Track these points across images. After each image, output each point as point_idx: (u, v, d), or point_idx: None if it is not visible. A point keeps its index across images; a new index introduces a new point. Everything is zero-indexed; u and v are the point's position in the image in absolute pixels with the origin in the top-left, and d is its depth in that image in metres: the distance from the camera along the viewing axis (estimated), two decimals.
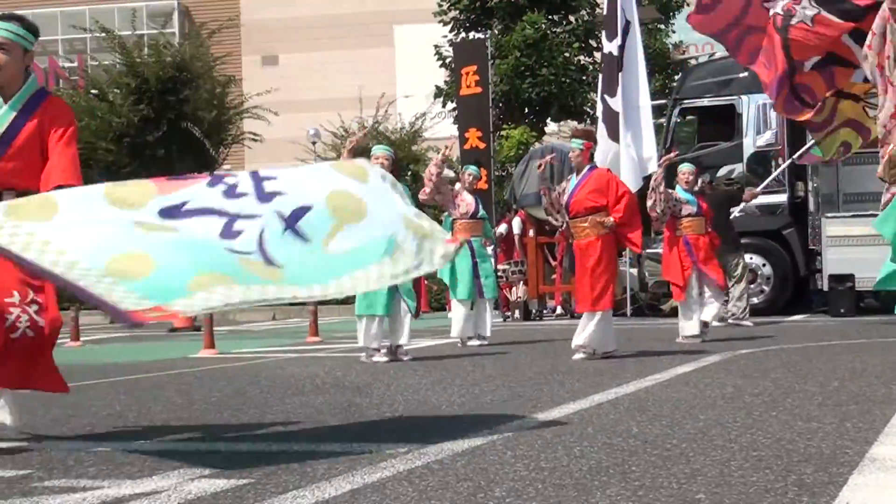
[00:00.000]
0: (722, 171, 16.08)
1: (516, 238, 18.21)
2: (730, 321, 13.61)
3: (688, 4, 33.69)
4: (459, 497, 3.73)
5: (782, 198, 16.19)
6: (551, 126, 30.74)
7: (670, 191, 11.39)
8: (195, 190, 4.72)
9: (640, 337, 12.06)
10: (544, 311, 18.07)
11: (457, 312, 11.68)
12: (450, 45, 28.68)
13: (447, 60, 29.60)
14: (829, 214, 15.37)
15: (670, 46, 33.35)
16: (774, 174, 15.65)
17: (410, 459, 4.43)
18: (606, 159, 15.50)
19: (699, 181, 12.02)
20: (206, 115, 28.67)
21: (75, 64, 41.75)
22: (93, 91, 29.77)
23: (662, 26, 32.28)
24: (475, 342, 11.49)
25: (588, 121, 28.89)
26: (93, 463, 4.57)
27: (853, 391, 6.49)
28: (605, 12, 16.74)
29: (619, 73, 15.57)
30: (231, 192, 4.69)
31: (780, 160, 16.14)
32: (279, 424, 5.61)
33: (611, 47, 15.92)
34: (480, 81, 20.23)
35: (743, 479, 3.89)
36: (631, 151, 15.33)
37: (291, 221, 4.60)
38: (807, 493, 3.65)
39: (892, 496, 3.67)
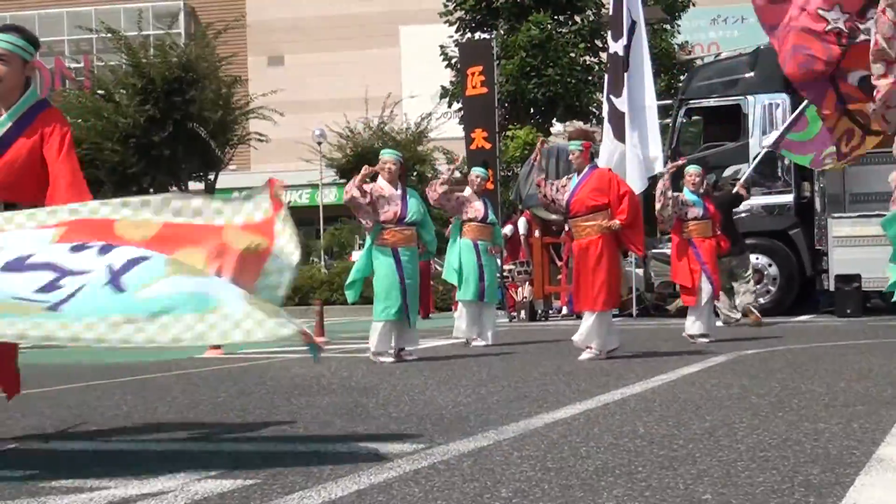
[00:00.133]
0: (728, 172, 16.06)
1: (522, 238, 18.21)
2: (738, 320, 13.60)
3: (693, 4, 33.69)
4: (466, 497, 3.73)
5: (788, 198, 16.17)
6: (557, 126, 30.73)
7: (677, 194, 11.38)
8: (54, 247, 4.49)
9: (645, 337, 12.05)
10: (550, 312, 18.06)
11: (461, 312, 11.73)
12: (455, 46, 28.70)
13: (453, 61, 29.61)
14: (835, 215, 15.35)
15: (676, 46, 33.32)
16: (751, 166, 15.59)
17: (416, 460, 4.43)
18: (612, 159, 15.51)
19: (704, 182, 12.01)
20: (211, 115, 28.70)
21: (81, 64, 41.86)
22: (99, 91, 29.81)
23: (668, 26, 32.25)
24: (480, 342, 11.50)
25: (594, 121, 28.89)
26: (99, 463, 4.57)
27: (860, 392, 6.48)
28: (610, 12, 16.74)
29: (625, 74, 15.57)
30: (79, 247, 4.45)
31: (786, 160, 16.12)
32: (285, 425, 5.61)
33: (616, 47, 15.93)
34: (486, 82, 20.22)
35: (749, 480, 3.89)
36: (637, 151, 15.34)
37: (117, 274, 4.28)
38: (813, 494, 3.65)
39: None
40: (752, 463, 4.22)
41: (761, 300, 15.78)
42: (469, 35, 29.72)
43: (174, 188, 31.37)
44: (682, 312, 11.78)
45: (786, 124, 14.48)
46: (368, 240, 10.01)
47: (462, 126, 22.45)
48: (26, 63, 5.22)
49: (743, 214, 15.94)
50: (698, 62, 32.15)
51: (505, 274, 17.16)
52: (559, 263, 18.52)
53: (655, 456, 4.41)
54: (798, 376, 7.48)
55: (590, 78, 29.03)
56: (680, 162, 11.81)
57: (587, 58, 29.77)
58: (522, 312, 17.10)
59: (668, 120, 17.76)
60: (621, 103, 15.63)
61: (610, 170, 10.52)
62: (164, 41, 29.92)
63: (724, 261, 12.82)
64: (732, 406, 5.91)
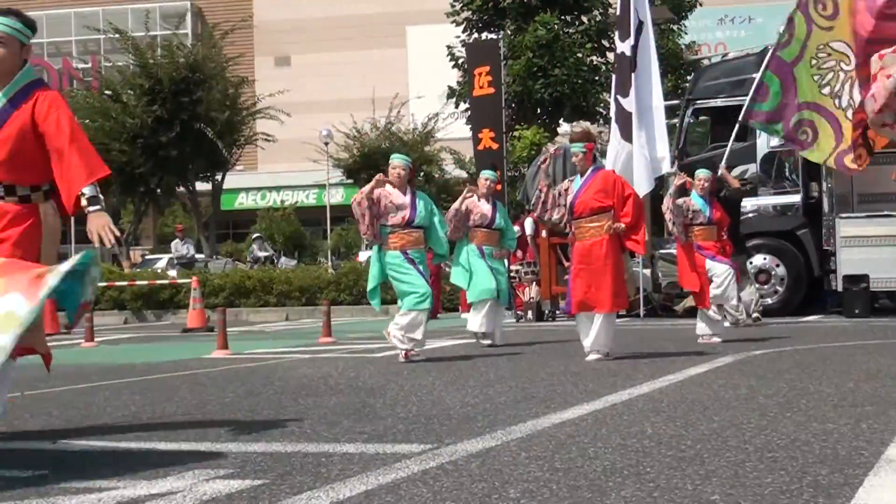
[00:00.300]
0: (735, 172, 16.03)
1: (529, 239, 18.20)
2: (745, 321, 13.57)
3: (700, 4, 33.68)
4: (474, 498, 3.73)
5: (796, 198, 16.15)
6: (564, 126, 30.72)
7: (683, 199, 11.38)
8: None
9: (653, 338, 12.05)
10: (557, 312, 18.05)
11: (474, 310, 11.70)
12: (462, 46, 28.69)
13: (460, 61, 29.61)
14: (843, 215, 15.32)
15: (683, 46, 33.31)
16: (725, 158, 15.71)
17: (424, 460, 4.43)
18: (619, 160, 15.50)
19: (713, 186, 11.98)
20: (219, 115, 28.78)
21: (89, 65, 41.96)
22: (106, 92, 29.92)
23: (675, 26, 32.24)
24: (485, 341, 11.49)
25: (601, 121, 28.89)
26: (108, 463, 4.58)
27: (868, 392, 6.47)
28: (617, 12, 16.71)
29: (633, 74, 15.55)
30: None
31: (792, 160, 16.11)
32: (293, 425, 5.62)
33: (623, 47, 15.91)
34: (493, 82, 20.20)
35: (758, 481, 3.89)
36: (644, 152, 15.32)
37: None
38: (822, 495, 3.65)
39: None
40: (761, 464, 4.21)
41: (769, 300, 15.79)
42: (476, 35, 29.73)
43: (181, 188, 31.45)
44: (689, 313, 11.76)
45: (749, 96, 14.63)
46: (375, 246, 9.97)
47: (469, 126, 22.45)
48: (23, 46, 5.27)
49: (751, 214, 15.92)
50: (705, 62, 32.08)
51: (512, 274, 17.15)
52: (566, 264, 18.50)
53: (664, 456, 4.41)
54: (806, 377, 7.47)
55: (597, 78, 29.02)
56: (682, 181, 11.71)
57: (594, 58, 29.76)
58: (529, 313, 17.10)
59: (676, 120, 17.74)
60: (629, 103, 15.61)
61: (613, 171, 10.53)
62: (172, 42, 30.02)
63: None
64: (740, 407, 5.90)
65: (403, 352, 9.71)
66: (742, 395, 6.46)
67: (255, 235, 34.09)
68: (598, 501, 3.63)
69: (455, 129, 32.90)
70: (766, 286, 15.95)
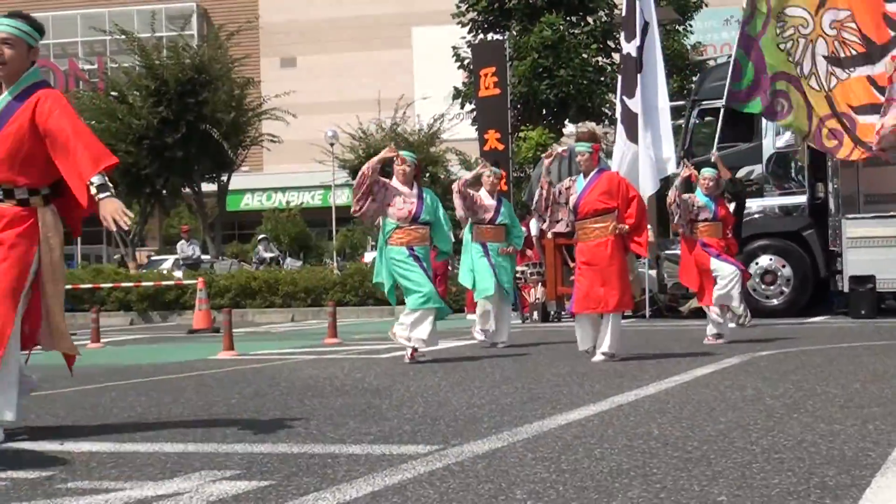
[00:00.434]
0: (741, 173, 16.02)
1: (534, 240, 18.19)
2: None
3: (706, 5, 33.64)
4: (481, 499, 3.73)
5: (802, 199, 16.12)
6: (569, 127, 30.70)
7: (688, 196, 11.39)
8: None
9: (659, 338, 12.03)
10: (563, 313, 18.04)
11: (479, 309, 11.73)
12: (468, 47, 28.70)
13: (465, 62, 29.61)
14: (849, 215, 15.29)
15: (688, 47, 33.28)
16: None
17: (431, 461, 4.43)
18: (625, 161, 15.50)
19: (718, 186, 11.97)
20: (224, 116, 28.77)
21: (95, 66, 42.00)
22: (112, 93, 29.93)
23: (680, 27, 32.21)
24: (496, 340, 11.48)
25: (606, 122, 28.86)
26: (115, 464, 4.58)
27: (875, 393, 6.46)
28: (623, 13, 16.71)
29: (638, 75, 15.55)
30: None
31: (799, 161, 16.09)
32: (299, 426, 5.62)
33: (629, 48, 15.91)
34: (499, 83, 20.23)
35: (765, 482, 3.88)
36: (650, 153, 15.32)
37: None
38: (829, 496, 3.64)
39: None
40: (768, 465, 4.21)
41: (774, 301, 15.80)
42: (481, 36, 29.73)
43: (187, 189, 31.48)
44: (695, 314, 11.75)
45: (728, 79, 14.80)
46: (381, 240, 9.96)
47: (475, 127, 22.46)
48: (31, 48, 5.36)
49: (757, 215, 15.91)
50: (711, 63, 32.11)
51: (518, 275, 17.14)
52: (572, 265, 18.48)
53: (670, 457, 4.41)
54: (812, 378, 7.46)
55: (602, 79, 29.00)
56: (689, 173, 11.71)
57: (599, 59, 29.75)
58: (535, 313, 17.09)
59: (681, 121, 17.72)
60: (634, 104, 15.61)
61: (618, 173, 10.54)
62: (177, 43, 30.02)
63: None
64: (747, 408, 5.90)
65: (409, 352, 9.72)
66: (748, 396, 6.45)
67: (260, 236, 34.12)
68: (605, 503, 3.63)
69: (461, 130, 32.90)
70: (772, 287, 15.94)
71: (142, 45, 29.63)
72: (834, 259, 15.58)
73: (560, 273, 17.65)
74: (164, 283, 22.49)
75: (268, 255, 30.87)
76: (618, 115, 16.53)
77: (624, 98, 15.93)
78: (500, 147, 20.01)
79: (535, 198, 9.96)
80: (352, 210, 9.95)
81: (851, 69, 14.45)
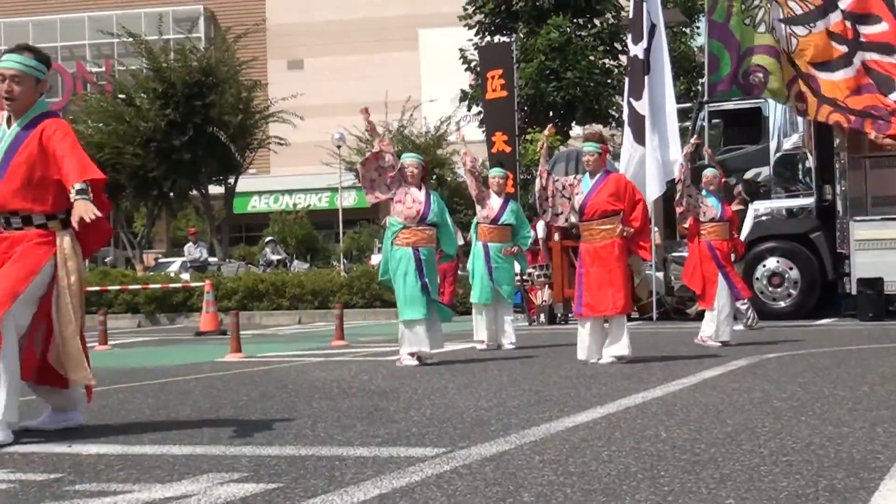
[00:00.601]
0: (749, 175, 16.01)
1: (541, 242, 18.19)
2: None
3: None
4: (488, 502, 3.73)
5: (810, 201, 16.10)
6: (576, 129, 30.72)
7: (698, 193, 11.39)
8: None
9: (666, 341, 12.02)
10: (569, 315, 18.03)
11: (475, 315, 11.79)
12: (475, 49, 28.71)
13: (472, 64, 29.64)
14: (857, 217, 15.27)
15: (695, 49, 33.27)
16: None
17: (438, 464, 4.43)
18: (632, 163, 15.48)
19: (720, 185, 11.97)
20: (231, 119, 28.82)
21: (103, 69, 42.07)
22: (120, 96, 30.01)
23: (687, 29, 32.20)
24: (482, 346, 11.45)
25: (613, 124, 28.87)
26: (122, 466, 4.59)
27: (883, 396, 6.45)
28: (630, 15, 16.70)
29: (646, 77, 15.53)
30: None
31: (806, 163, 16.08)
32: (307, 428, 5.62)
33: (637, 50, 15.90)
34: (506, 85, 20.20)
35: (773, 485, 3.87)
36: (657, 155, 15.30)
37: None
38: (838, 499, 3.63)
39: None
40: (776, 467, 4.20)
41: (782, 303, 15.78)
42: (488, 38, 29.75)
43: (194, 192, 31.53)
44: (701, 316, 11.73)
45: (706, 72, 15.25)
46: (387, 239, 9.96)
47: (482, 129, 22.45)
48: (38, 81, 5.46)
49: (764, 217, 15.89)
50: None
51: (525, 278, 17.14)
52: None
53: (678, 460, 4.40)
54: (820, 380, 7.45)
55: (609, 81, 29.02)
56: (694, 141, 11.76)
57: (606, 61, 29.76)
58: (542, 316, 17.09)
59: (688, 123, 17.70)
60: (642, 106, 15.59)
61: (624, 175, 10.55)
62: (185, 45, 30.10)
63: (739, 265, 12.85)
64: (754, 410, 5.89)
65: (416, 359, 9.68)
66: (756, 398, 6.44)
67: (267, 239, 34.13)
68: None
69: (468, 133, 32.89)
70: (779, 289, 15.92)
71: (149, 47, 29.70)
72: (842, 261, 15.55)
73: (567, 275, 17.65)
74: (172, 285, 22.52)
75: (275, 257, 30.88)
76: (625, 117, 16.53)
77: (631, 100, 15.92)
78: (508, 149, 19.99)
79: (536, 187, 9.92)
80: (367, 196, 9.96)
81: (812, 24, 14.64)
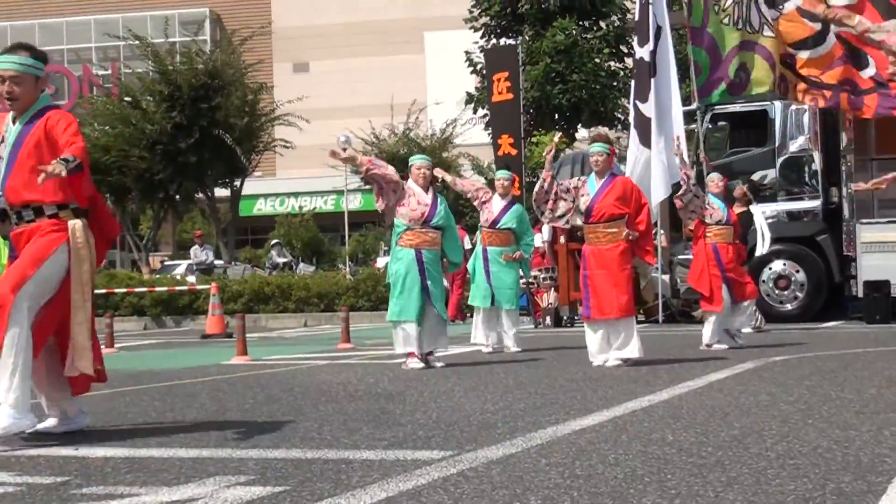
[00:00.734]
0: (755, 177, 15.99)
1: (546, 245, 18.18)
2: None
3: None
4: None
5: (816, 203, 16.07)
6: (582, 132, 30.70)
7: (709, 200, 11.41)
8: None
9: (672, 344, 12.01)
10: (575, 318, 18.02)
11: (474, 318, 11.80)
12: (480, 52, 28.72)
13: (478, 67, 29.64)
14: (863, 220, 15.25)
15: None
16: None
17: (445, 467, 4.43)
18: (637, 165, 15.47)
19: (726, 188, 11.98)
20: (237, 122, 28.82)
21: (109, 72, 42.15)
22: (126, 98, 30.01)
23: None
24: (487, 349, 11.44)
25: (619, 126, 28.85)
26: (129, 470, 4.59)
27: (890, 399, 6.44)
28: (636, 18, 16.70)
29: (652, 79, 15.53)
30: None
31: (813, 165, 16.06)
32: (313, 431, 5.63)
33: (643, 53, 15.90)
34: (512, 88, 20.21)
35: (780, 488, 3.87)
36: (662, 157, 15.28)
37: None
38: (845, 503, 3.63)
39: None
40: (783, 471, 4.20)
41: (788, 306, 15.78)
42: (494, 41, 29.74)
43: (200, 194, 31.56)
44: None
45: (691, 78, 15.49)
46: (393, 239, 9.97)
47: (488, 132, 22.48)
48: (38, 79, 5.49)
49: (770, 220, 15.86)
50: None
51: (530, 280, 17.13)
52: None
53: (685, 463, 4.40)
54: (827, 383, 7.44)
55: (615, 83, 29.01)
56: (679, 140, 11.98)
57: (612, 63, 29.74)
58: (548, 319, 17.08)
59: (694, 126, 17.69)
60: (648, 109, 15.59)
61: (630, 179, 10.57)
62: (191, 48, 30.10)
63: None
64: (761, 413, 5.88)
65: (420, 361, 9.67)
66: (763, 401, 6.43)
67: (273, 241, 34.17)
68: None
69: (473, 135, 32.90)
70: (785, 292, 15.90)
71: (155, 50, 29.72)
72: (848, 264, 15.54)
73: (572, 278, 17.64)
74: (178, 288, 22.53)
75: (281, 260, 30.91)
76: (631, 119, 16.52)
77: (637, 102, 15.91)
78: (514, 152, 20.00)
79: (535, 188, 9.90)
80: (379, 206, 9.97)
81: (781, 6, 14.68)
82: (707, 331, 11.20)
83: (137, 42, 30.51)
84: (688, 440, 4.99)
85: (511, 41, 28.39)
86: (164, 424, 6.17)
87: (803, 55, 14.53)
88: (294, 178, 49.04)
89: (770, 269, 15.87)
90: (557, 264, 17.50)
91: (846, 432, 5.12)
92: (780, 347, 10.95)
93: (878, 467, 4.23)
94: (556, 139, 10.41)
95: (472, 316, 12.59)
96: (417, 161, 10.07)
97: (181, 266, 32.41)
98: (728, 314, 11.37)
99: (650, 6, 15.67)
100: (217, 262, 28.32)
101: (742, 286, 11.51)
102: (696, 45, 15.18)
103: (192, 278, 24.97)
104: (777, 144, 16.20)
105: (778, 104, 16.18)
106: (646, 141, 15.53)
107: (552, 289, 17.12)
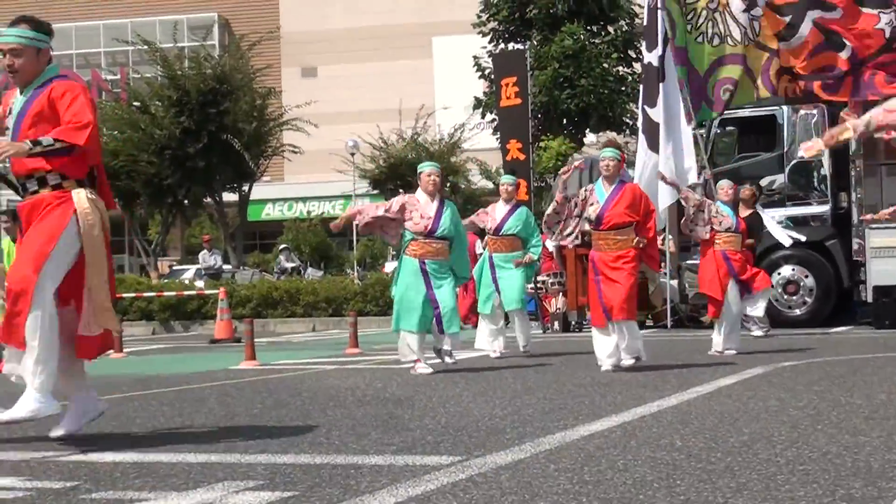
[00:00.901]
0: (763, 182, 15.96)
1: (554, 250, 18.16)
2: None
3: None
4: None
5: (825, 208, 16.04)
6: (590, 137, 30.69)
7: (712, 203, 11.38)
8: None
9: (680, 349, 11.99)
10: (584, 323, 17.99)
11: (479, 324, 11.82)
12: (489, 57, 28.73)
13: (486, 71, 29.65)
14: (872, 225, 15.20)
15: None
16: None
17: (454, 472, 4.43)
18: (646, 170, 15.46)
19: (736, 195, 11.98)
20: (246, 126, 28.87)
21: (118, 76, 42.23)
22: (135, 103, 30.07)
23: None
24: (494, 354, 11.43)
25: (627, 131, 28.82)
26: (138, 474, 4.60)
27: None
28: (644, 23, 16.69)
29: (660, 84, 15.52)
30: None
31: (822, 170, 16.04)
32: (321, 436, 5.63)
33: (651, 58, 15.89)
34: (520, 92, 20.22)
35: (790, 494, 3.86)
36: (671, 163, 15.27)
37: None
38: None
39: None
40: (793, 476, 4.19)
41: (797, 311, 15.74)
42: (502, 46, 29.74)
43: (208, 199, 31.61)
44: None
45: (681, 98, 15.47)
46: (402, 249, 9.98)
47: (496, 137, 22.48)
48: (40, 51, 5.44)
49: (779, 225, 15.82)
50: None
51: (538, 285, 17.12)
52: None
53: (693, 469, 4.39)
54: (836, 388, 7.42)
55: (623, 88, 28.97)
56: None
57: (620, 68, 29.71)
58: (556, 323, 17.06)
59: (702, 131, 17.66)
60: (656, 114, 15.58)
61: (638, 186, 10.59)
62: (199, 53, 30.17)
63: None
64: (770, 419, 5.87)
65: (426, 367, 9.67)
66: (772, 406, 6.42)
67: (281, 246, 34.17)
68: None
69: (481, 140, 32.90)
70: (794, 297, 15.87)
71: (164, 55, 29.78)
72: (857, 269, 15.50)
73: (581, 283, 17.61)
74: (186, 292, 22.55)
75: (289, 264, 30.92)
76: (639, 124, 16.51)
77: (646, 107, 15.90)
78: (522, 157, 20.00)
79: (547, 211, 9.92)
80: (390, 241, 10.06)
81: (756, 7, 14.84)
82: (717, 337, 11.18)
83: (146, 47, 30.57)
84: (697, 446, 4.98)
85: (519, 46, 28.43)
86: (172, 429, 6.17)
87: (783, 46, 14.67)
88: (302, 182, 49.06)
89: (779, 273, 15.84)
90: (566, 269, 17.48)
91: (856, 438, 5.11)
92: (788, 353, 10.92)
93: (889, 473, 4.21)
94: (577, 164, 10.43)
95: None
96: (427, 168, 10.04)
97: (190, 271, 32.46)
98: (740, 311, 11.47)
99: (658, 11, 15.67)
100: (225, 266, 28.36)
101: (753, 277, 11.64)
102: (681, 65, 15.26)
103: (200, 283, 24.99)
104: (786, 149, 16.17)
105: (786, 109, 16.15)
106: (654, 146, 15.52)
107: (560, 293, 17.09)
